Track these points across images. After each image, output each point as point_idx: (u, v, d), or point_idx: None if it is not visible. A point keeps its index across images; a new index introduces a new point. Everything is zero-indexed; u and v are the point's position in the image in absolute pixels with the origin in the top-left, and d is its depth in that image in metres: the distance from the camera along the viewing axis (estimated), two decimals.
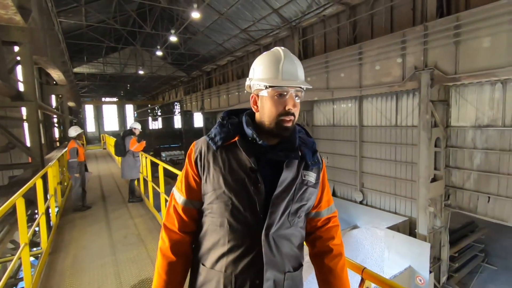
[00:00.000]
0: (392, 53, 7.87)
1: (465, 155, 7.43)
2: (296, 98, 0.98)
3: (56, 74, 8.80)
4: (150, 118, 39.57)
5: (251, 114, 1.09)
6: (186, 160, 1.10)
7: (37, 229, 4.78)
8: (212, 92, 19.00)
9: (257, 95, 1.02)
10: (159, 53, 17.81)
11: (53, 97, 12.95)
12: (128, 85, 30.88)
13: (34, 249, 4.17)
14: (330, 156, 11.53)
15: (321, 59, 10.19)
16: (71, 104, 17.20)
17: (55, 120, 13.75)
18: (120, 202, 6.23)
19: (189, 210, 1.08)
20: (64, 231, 4.54)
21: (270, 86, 0.96)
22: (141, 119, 37.76)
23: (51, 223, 4.70)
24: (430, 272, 7.15)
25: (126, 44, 18.61)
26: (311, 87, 1.01)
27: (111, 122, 40.12)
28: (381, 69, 8.24)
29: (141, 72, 21.50)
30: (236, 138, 1.02)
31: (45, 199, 3.99)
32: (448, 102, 7.61)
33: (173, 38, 13.93)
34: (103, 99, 38.65)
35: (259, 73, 1.00)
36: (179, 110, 31.87)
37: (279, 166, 1.00)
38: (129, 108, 41.10)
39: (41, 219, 3.49)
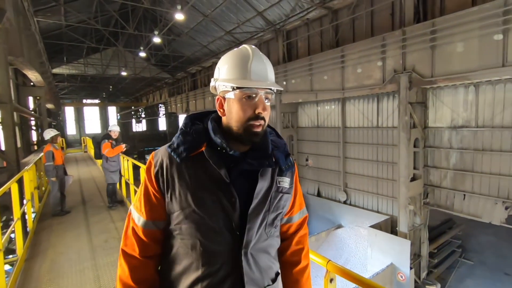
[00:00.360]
0: (373, 57, 8.10)
1: (442, 154, 7.73)
2: (266, 101, 0.90)
3: (33, 75, 8.50)
4: (134, 120, 38.84)
5: (217, 119, 0.98)
6: (145, 175, 0.96)
7: (13, 236, 4.60)
8: (197, 93, 18.87)
9: (223, 97, 0.92)
10: (142, 54, 17.52)
11: (31, 99, 12.50)
12: (111, 87, 30.17)
13: (10, 256, 4.01)
14: (315, 157, 11.70)
15: (305, 62, 10.34)
16: (49, 106, 16.64)
17: (33, 122, 13.26)
18: (101, 206, 6.08)
19: (151, 232, 0.94)
20: (41, 237, 4.40)
21: (237, 88, 0.87)
22: (125, 121, 37.02)
23: (28, 229, 4.54)
24: (411, 268, 7.37)
25: (108, 44, 18.23)
26: (281, 88, 0.94)
27: (93, 124, 39.02)
28: (363, 72, 8.46)
29: (124, 73, 21.08)
30: (203, 148, 0.91)
31: (21, 204, 3.85)
32: (425, 104, 7.89)
33: (156, 40, 13.76)
34: (84, 100, 37.57)
35: (225, 73, 0.91)
36: (164, 112, 31.47)
37: (252, 175, 0.92)
38: (112, 110, 40.11)
39: (16, 224, 3.37)
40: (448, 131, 7.55)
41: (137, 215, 0.96)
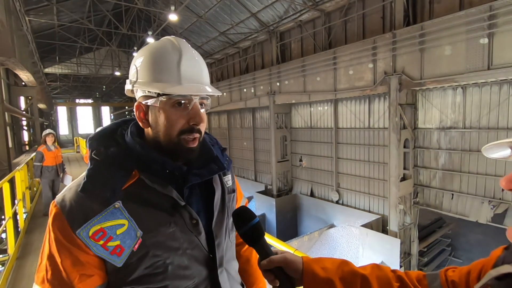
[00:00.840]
0: (364, 59, 8.24)
1: (431, 155, 7.89)
2: (202, 108, 0.75)
3: (25, 76, 8.46)
4: None
5: (138, 132, 0.78)
6: (51, 237, 0.68)
7: (4, 236, 4.60)
8: None
9: (146, 104, 0.73)
10: (136, 54, 17.48)
11: (22, 98, 12.38)
12: (104, 87, 29.97)
13: (1, 256, 4.01)
14: (308, 158, 11.81)
15: (298, 63, 10.46)
16: (41, 106, 16.50)
17: (25, 122, 13.14)
18: None
19: None
20: (33, 236, 4.41)
21: (163, 94, 0.70)
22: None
23: (19, 228, 4.54)
24: (401, 266, 7.51)
25: (102, 44, 18.14)
26: (220, 93, 0.80)
27: (86, 124, 38.64)
28: (354, 74, 8.60)
29: (117, 73, 20.97)
30: (137, 176, 0.71)
31: (13, 204, 3.86)
32: (415, 106, 8.06)
33: (150, 40, 13.74)
34: (77, 100, 37.22)
35: (146, 74, 0.72)
36: None
37: (200, 187, 0.81)
38: (105, 110, 39.81)
39: (8, 223, 3.39)
40: (437, 132, 7.72)
41: None
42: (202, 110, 0.76)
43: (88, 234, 0.65)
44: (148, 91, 0.72)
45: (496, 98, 6.57)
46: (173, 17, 10.73)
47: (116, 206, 0.67)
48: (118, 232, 0.67)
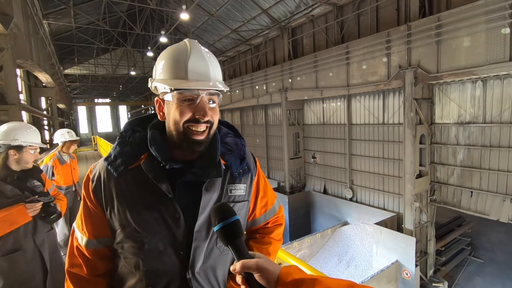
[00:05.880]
0: (378, 53, 8.02)
1: (449, 151, 7.60)
2: (211, 103, 0.80)
3: (43, 77, 8.79)
4: None
5: (161, 125, 0.85)
6: (83, 190, 0.87)
7: None
8: None
9: (162, 100, 0.82)
10: (150, 53, 17.78)
11: (43, 99, 12.90)
12: (121, 86, 30.72)
13: None
14: (321, 154, 11.67)
15: (310, 59, 10.31)
16: (61, 106, 17.12)
17: (45, 122, 13.69)
18: None
19: (96, 251, 0.86)
20: None
21: (175, 89, 0.76)
22: None
23: None
24: (416, 265, 7.31)
25: (117, 45, 18.57)
26: (227, 88, 0.83)
27: (104, 123, 39.86)
28: (368, 68, 8.39)
29: (133, 73, 21.44)
30: (143, 159, 0.80)
31: None
32: (432, 100, 7.77)
33: (163, 39, 13.95)
34: (95, 100, 38.41)
35: (161, 72, 0.80)
36: None
37: (200, 186, 0.81)
38: (123, 109, 40.89)
39: None
40: (455, 127, 7.42)
41: (79, 234, 0.88)
42: (213, 105, 0.81)
43: None
44: (164, 87, 0.79)
45: None
46: (184, 16, 10.82)
47: None
48: None
